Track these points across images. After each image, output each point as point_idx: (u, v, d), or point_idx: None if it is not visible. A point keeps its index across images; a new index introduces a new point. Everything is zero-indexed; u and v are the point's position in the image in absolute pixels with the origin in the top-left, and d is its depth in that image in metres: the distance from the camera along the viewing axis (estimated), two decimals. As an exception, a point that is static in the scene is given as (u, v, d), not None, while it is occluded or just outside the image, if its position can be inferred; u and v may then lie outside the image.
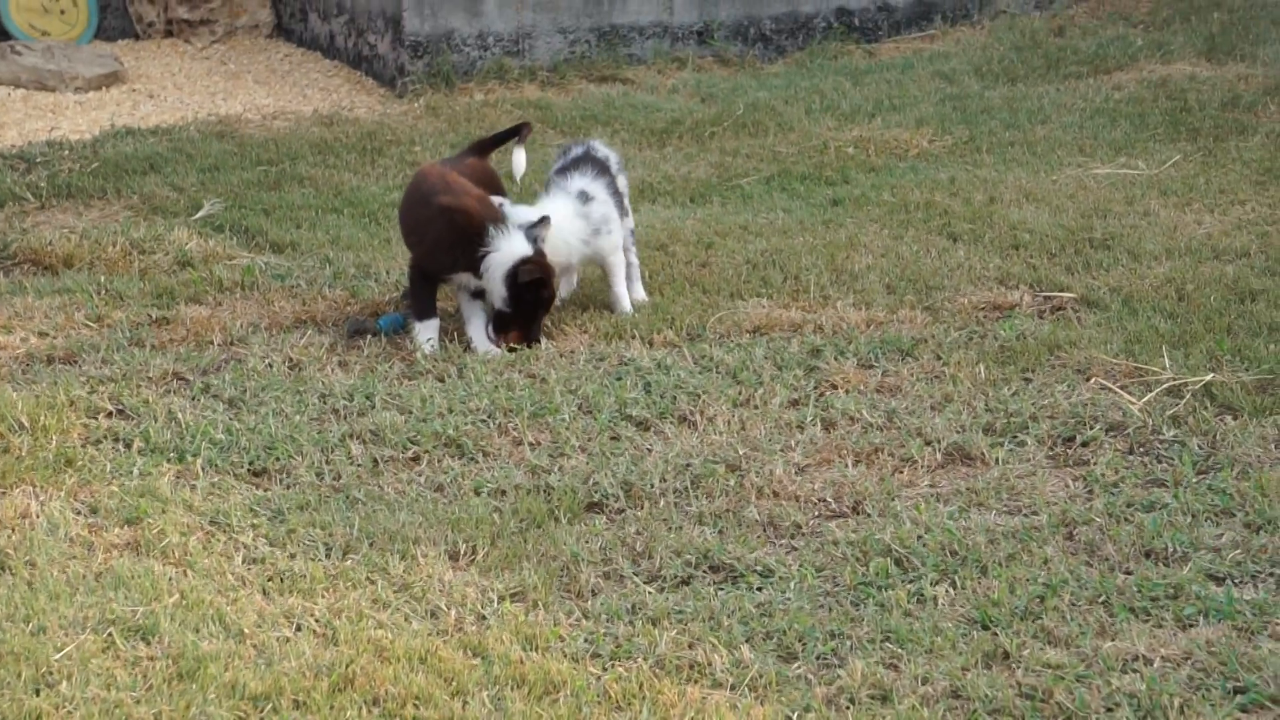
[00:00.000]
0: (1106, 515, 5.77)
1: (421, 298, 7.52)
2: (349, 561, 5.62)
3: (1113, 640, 5.01)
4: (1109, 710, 4.69)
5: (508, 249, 7.32)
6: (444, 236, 7.42)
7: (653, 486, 6.06)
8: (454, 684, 4.85)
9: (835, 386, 6.93)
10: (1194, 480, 6.00)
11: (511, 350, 7.39)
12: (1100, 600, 5.24)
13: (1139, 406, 6.58)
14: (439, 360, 7.30)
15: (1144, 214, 9.07)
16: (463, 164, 7.91)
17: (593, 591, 5.42)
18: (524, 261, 7.30)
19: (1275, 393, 6.61)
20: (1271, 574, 5.34)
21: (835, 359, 7.16)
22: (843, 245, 8.65)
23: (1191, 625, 5.09)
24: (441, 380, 7.12)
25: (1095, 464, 6.18)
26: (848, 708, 4.75)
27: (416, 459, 6.43)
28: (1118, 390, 6.76)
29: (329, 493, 6.14)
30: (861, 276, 8.17)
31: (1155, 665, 4.88)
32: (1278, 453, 6.17)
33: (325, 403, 6.88)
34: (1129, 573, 5.41)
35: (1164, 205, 9.21)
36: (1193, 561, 5.42)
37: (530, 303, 7.37)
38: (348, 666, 4.89)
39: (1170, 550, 5.50)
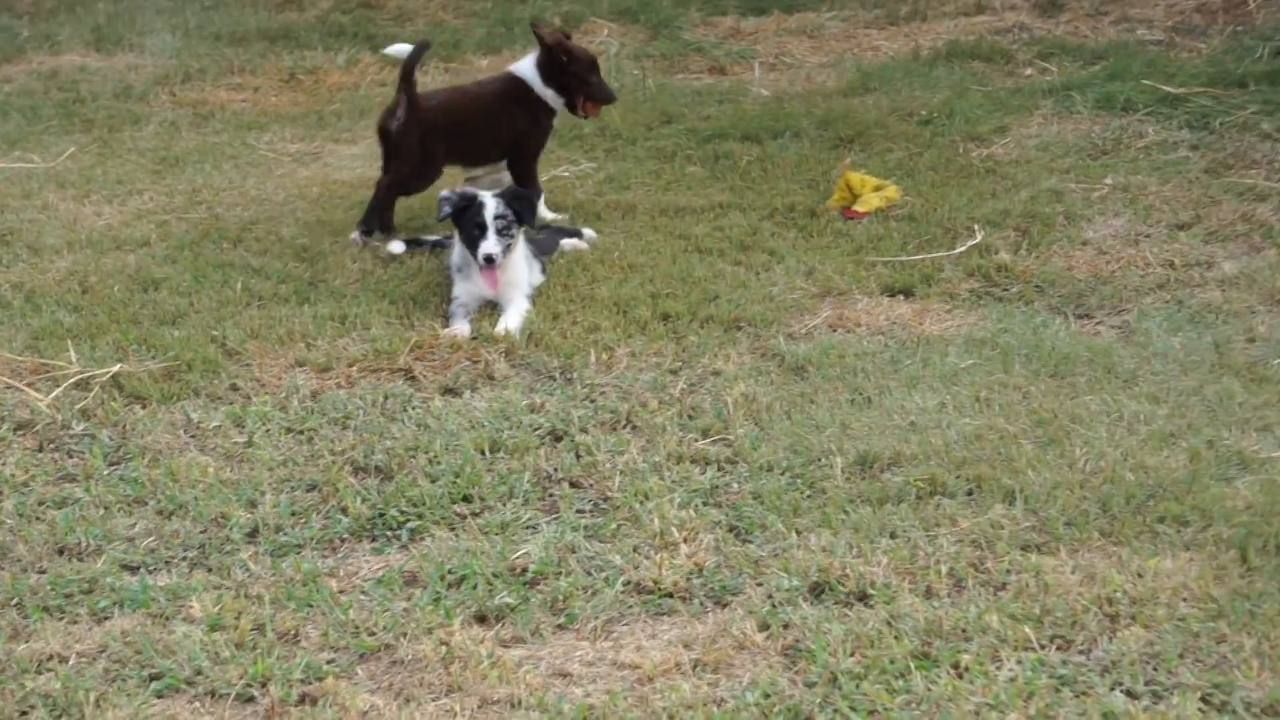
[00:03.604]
0: (18, 516, 5.63)
1: None
2: None
3: (27, 642, 4.90)
4: (23, 714, 4.58)
5: None
6: None
7: None
8: None
9: None
10: (106, 472, 5.97)
11: None
12: (14, 603, 5.11)
13: (47, 402, 6.47)
14: None
15: (42, 208, 8.94)
16: None
17: None
18: None
19: (182, 379, 6.70)
20: (184, 558, 5.41)
21: None
22: None
23: (107, 618, 5.06)
24: None
25: (4, 464, 6.02)
26: None
27: None
28: (23, 387, 6.61)
29: None
30: None
31: (71, 662, 4.81)
32: (187, 438, 6.25)
33: None
34: (42, 572, 5.30)
35: (62, 198, 9.12)
36: (106, 554, 5.40)
37: None
38: None
39: (84, 544, 5.45)
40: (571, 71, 8.51)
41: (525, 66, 8.62)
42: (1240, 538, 5.21)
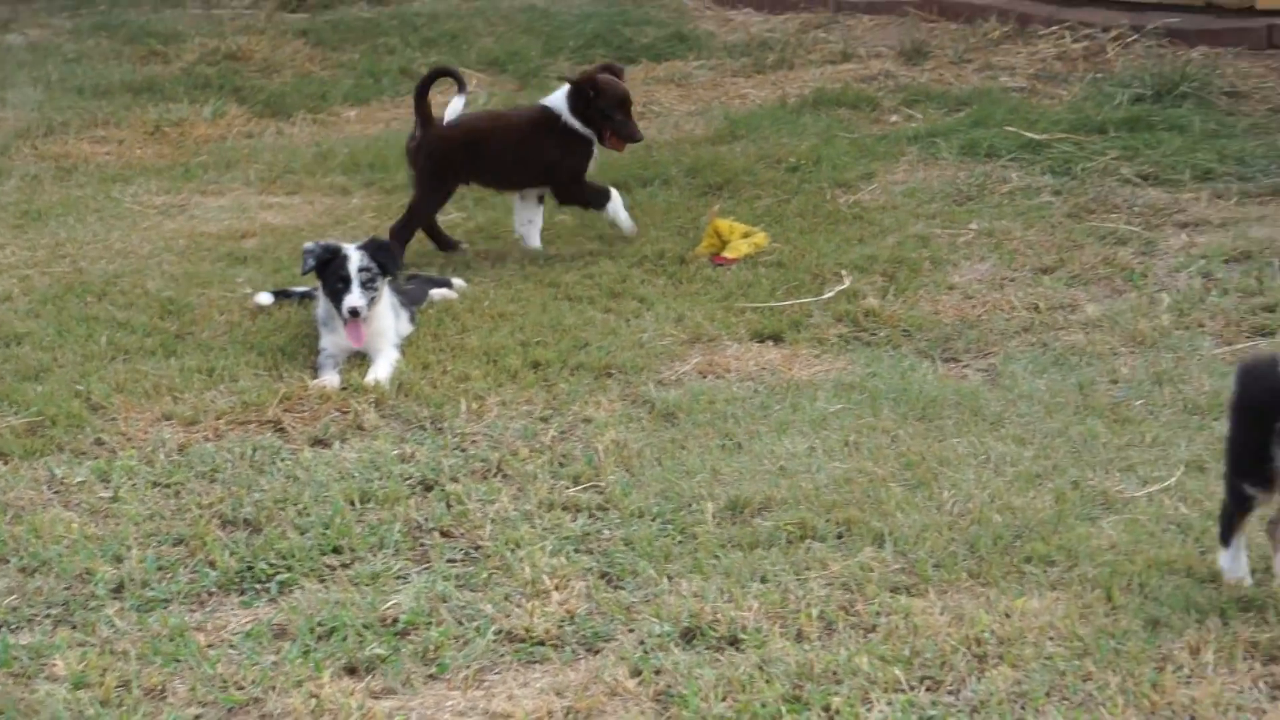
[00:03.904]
0: (-126, 574, 5.53)
1: None
2: None
3: (-114, 704, 4.80)
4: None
5: None
6: None
7: None
8: None
9: None
10: (-36, 530, 5.86)
11: None
12: None
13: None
14: None
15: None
16: None
17: None
18: None
19: (45, 435, 6.61)
20: (48, 615, 5.32)
21: None
22: None
23: (-37, 677, 4.97)
24: None
25: None
26: None
27: None
28: (-119, 443, 6.50)
29: None
30: None
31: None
32: (50, 494, 6.16)
33: None
34: (-99, 631, 5.21)
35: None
36: (-33, 612, 5.31)
37: None
38: None
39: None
40: (598, 106, 8.63)
41: (557, 98, 8.78)
42: (1105, 576, 5.28)
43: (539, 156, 8.74)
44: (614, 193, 8.87)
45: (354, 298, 7.27)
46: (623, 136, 8.74)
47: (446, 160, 8.69)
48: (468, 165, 8.74)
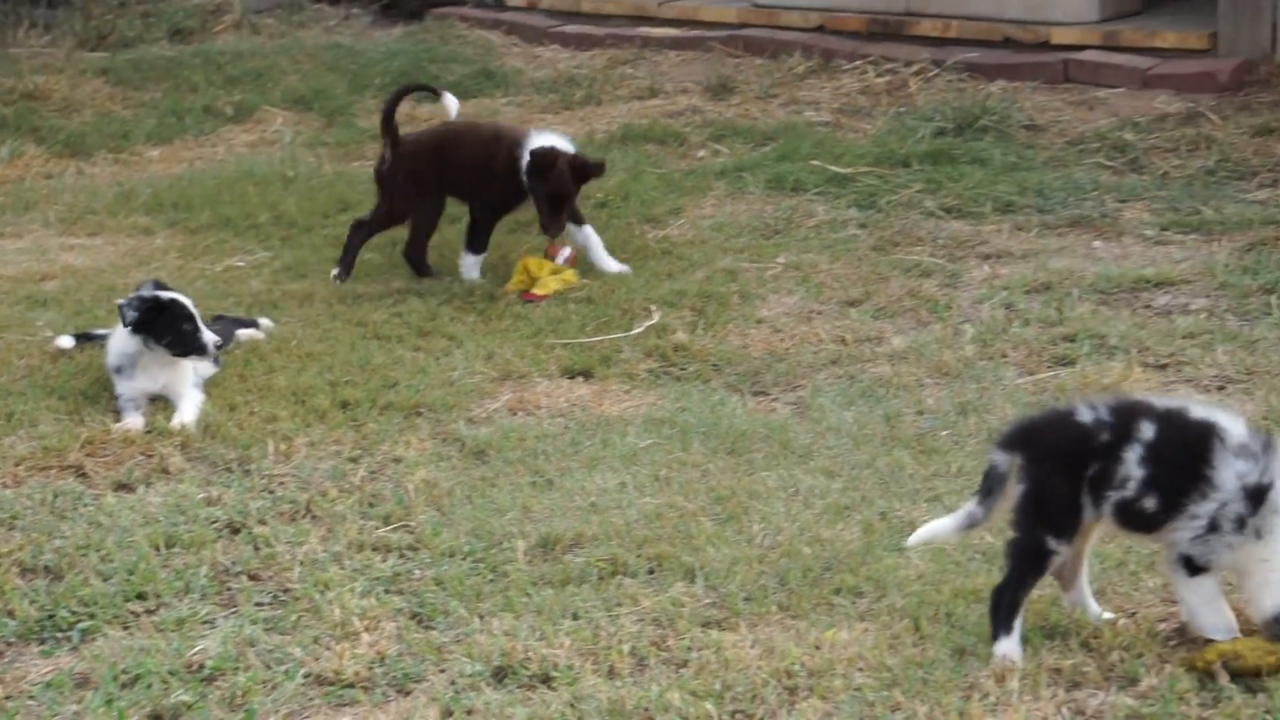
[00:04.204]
0: None
1: None
2: None
3: None
4: None
5: None
6: None
7: None
8: None
9: None
10: None
11: None
12: None
13: None
14: None
15: None
16: None
17: None
18: None
19: None
20: None
21: None
22: None
23: None
24: None
25: None
26: None
27: None
28: None
29: None
30: None
31: None
32: None
33: None
34: None
35: None
36: None
37: None
38: None
39: None
40: (535, 184, 8.59)
41: (536, 137, 8.73)
42: (913, 607, 5.34)
43: (487, 182, 8.82)
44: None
45: (209, 334, 7.23)
46: (541, 221, 8.72)
47: (421, 172, 8.82)
48: (439, 175, 8.85)
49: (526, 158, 8.59)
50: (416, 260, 8.86)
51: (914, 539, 5.32)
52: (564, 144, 8.73)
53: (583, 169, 8.68)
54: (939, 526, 5.25)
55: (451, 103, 9.23)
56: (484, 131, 9.15)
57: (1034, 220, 9.33)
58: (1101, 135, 10.68)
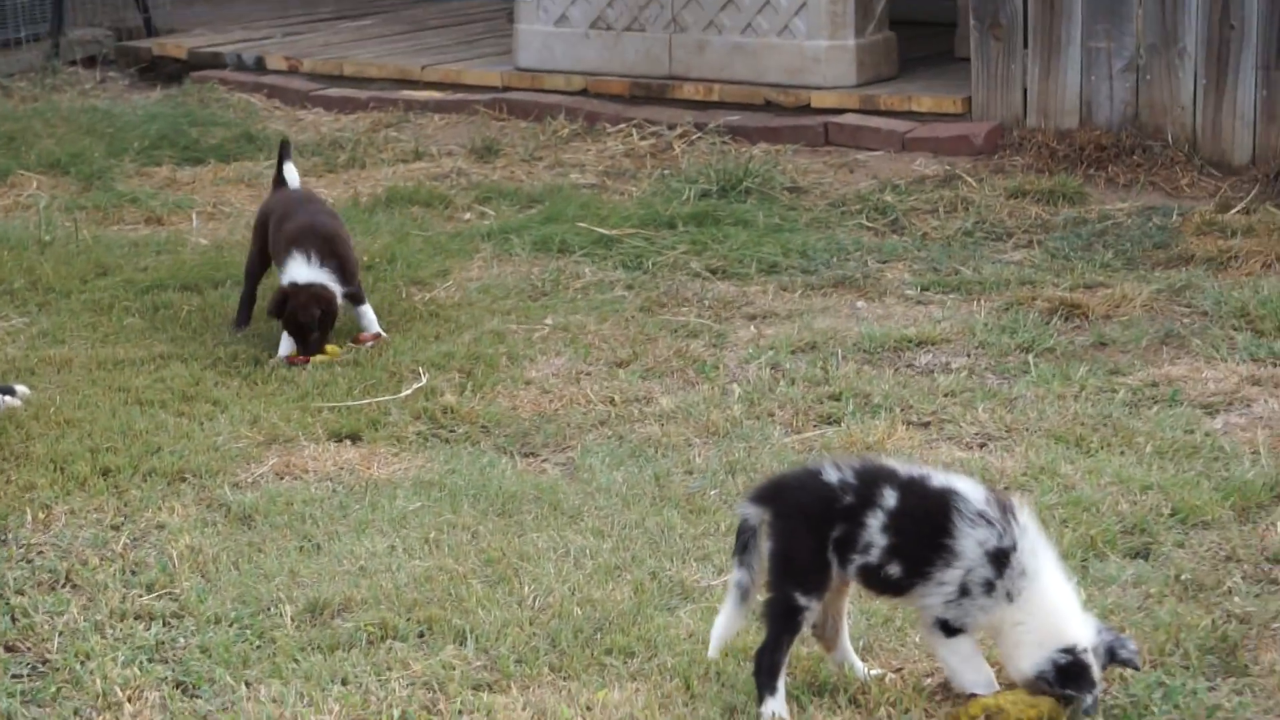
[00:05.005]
0: None
1: None
2: None
3: None
4: None
5: None
6: None
7: None
8: None
9: None
10: None
11: None
12: None
13: None
14: None
15: None
16: None
17: None
18: None
19: None
20: None
21: None
22: None
23: None
24: None
25: None
26: None
27: None
28: None
29: None
30: None
31: None
32: None
33: None
34: None
35: None
36: None
37: None
38: None
39: None
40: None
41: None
42: (683, 665, 5.36)
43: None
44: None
45: None
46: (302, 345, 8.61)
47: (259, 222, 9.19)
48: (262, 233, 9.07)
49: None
50: (242, 306, 9.11)
51: (713, 649, 5.35)
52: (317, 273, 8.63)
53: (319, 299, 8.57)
54: (725, 622, 5.27)
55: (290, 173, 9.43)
56: (290, 197, 9.30)
57: (798, 281, 9.47)
58: (862, 197, 10.87)
